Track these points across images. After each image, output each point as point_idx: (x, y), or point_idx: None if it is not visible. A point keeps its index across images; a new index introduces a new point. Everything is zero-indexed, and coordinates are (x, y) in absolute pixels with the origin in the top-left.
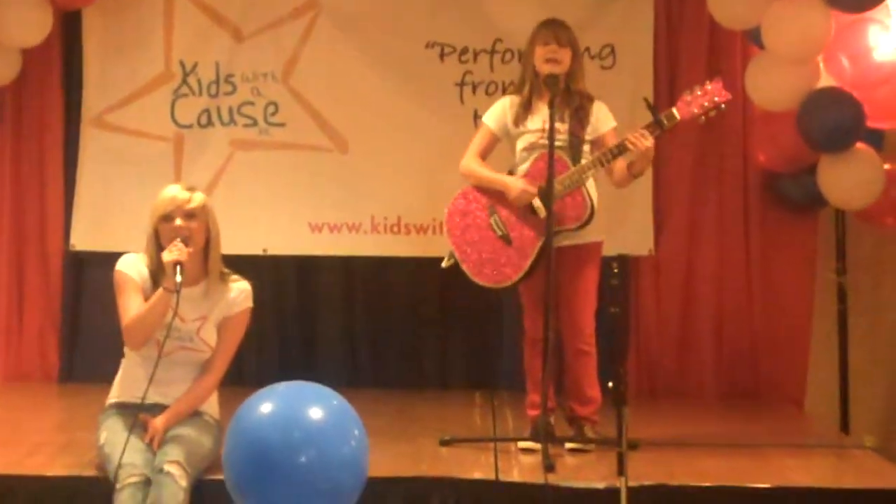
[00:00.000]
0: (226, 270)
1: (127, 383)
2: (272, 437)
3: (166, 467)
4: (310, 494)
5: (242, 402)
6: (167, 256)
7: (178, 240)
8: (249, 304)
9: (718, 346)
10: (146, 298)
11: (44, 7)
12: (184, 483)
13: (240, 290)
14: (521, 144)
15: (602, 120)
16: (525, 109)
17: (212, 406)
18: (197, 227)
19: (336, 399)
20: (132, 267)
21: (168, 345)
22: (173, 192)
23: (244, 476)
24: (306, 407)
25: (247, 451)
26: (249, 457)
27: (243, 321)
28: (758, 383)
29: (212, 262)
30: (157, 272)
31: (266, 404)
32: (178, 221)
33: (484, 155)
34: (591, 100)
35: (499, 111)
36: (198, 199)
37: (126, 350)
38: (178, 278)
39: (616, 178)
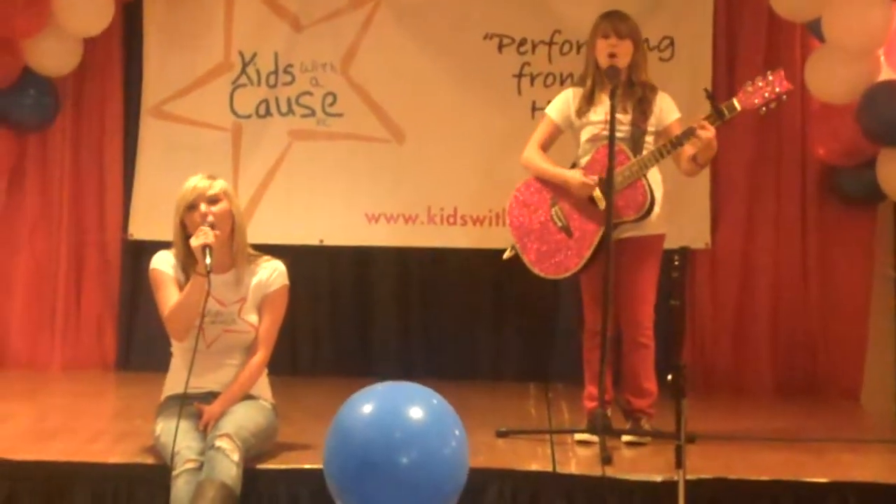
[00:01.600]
0: (253, 252)
1: (178, 376)
2: (374, 438)
3: (217, 442)
4: (411, 495)
5: (343, 401)
6: (195, 242)
7: (205, 224)
8: (285, 281)
9: (774, 339)
10: (181, 289)
11: None
12: (235, 457)
13: (273, 268)
14: (584, 136)
15: (666, 111)
16: (588, 101)
17: (264, 390)
18: (221, 211)
19: (436, 399)
20: (164, 262)
21: (212, 330)
22: (194, 181)
23: (346, 477)
24: (408, 407)
25: (349, 452)
26: (351, 457)
27: (282, 299)
28: (814, 378)
29: (238, 247)
30: (187, 262)
31: (367, 405)
32: (203, 208)
33: (545, 147)
34: (654, 91)
35: (562, 103)
36: (219, 184)
37: (173, 344)
38: (208, 260)
39: (684, 168)
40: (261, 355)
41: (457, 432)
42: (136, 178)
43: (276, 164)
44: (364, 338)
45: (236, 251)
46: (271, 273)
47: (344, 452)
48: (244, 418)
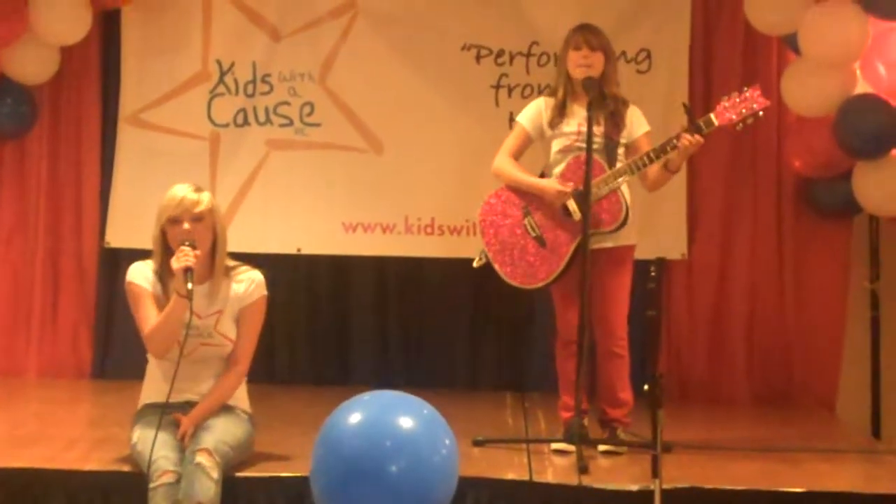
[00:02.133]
0: (232, 264)
1: (154, 385)
2: (363, 446)
3: (196, 457)
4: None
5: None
6: (176, 264)
7: (186, 245)
8: (263, 292)
9: (750, 350)
10: (158, 302)
11: (83, 5)
12: (215, 475)
13: (251, 279)
14: (555, 147)
15: (636, 124)
16: (560, 112)
17: (242, 399)
18: (204, 229)
19: (426, 408)
20: (141, 276)
21: (189, 344)
22: (181, 193)
23: (334, 486)
24: (397, 416)
25: (337, 461)
26: (340, 466)
27: (260, 310)
28: (790, 387)
29: (218, 260)
30: (165, 273)
31: (356, 414)
32: (186, 225)
33: (517, 155)
34: (626, 104)
35: (534, 112)
36: (206, 201)
37: (149, 354)
38: (189, 285)
39: (649, 182)
40: (238, 368)
41: (447, 441)
42: (113, 186)
43: (253, 173)
44: (341, 346)
45: (217, 263)
46: (249, 284)
47: (333, 461)
48: (223, 432)
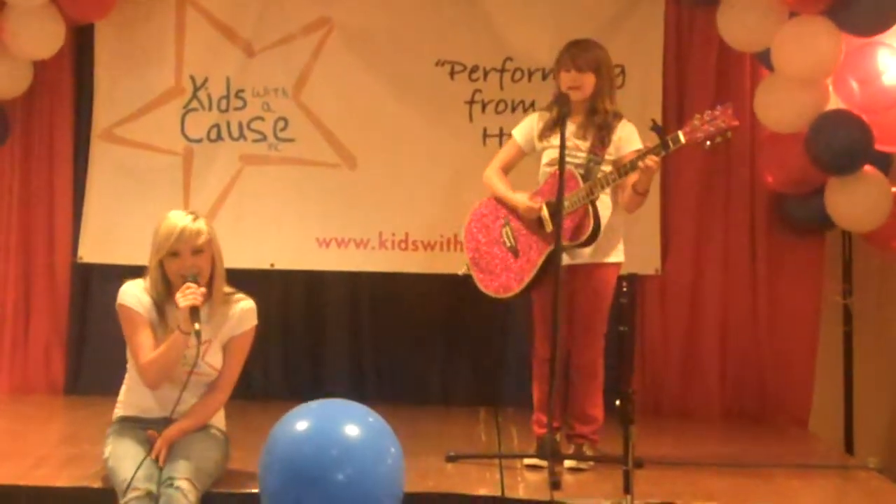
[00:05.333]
0: (229, 290)
1: (131, 398)
2: (309, 454)
3: (177, 482)
4: None
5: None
6: (182, 302)
7: (190, 281)
8: (254, 321)
9: (723, 366)
10: (152, 327)
11: (56, 20)
12: (192, 498)
13: (244, 309)
14: (544, 160)
15: (625, 141)
16: (551, 126)
17: (218, 419)
18: (204, 260)
19: (372, 416)
20: (134, 299)
21: (175, 371)
22: (181, 224)
23: (280, 493)
24: (343, 424)
25: (283, 469)
26: (286, 474)
27: (248, 339)
28: (763, 404)
29: (216, 288)
30: (163, 303)
31: (302, 422)
32: (188, 259)
33: (507, 168)
34: (618, 118)
35: (527, 126)
36: (205, 232)
37: (129, 365)
38: (197, 326)
39: (623, 204)
40: (220, 395)
41: (392, 449)
42: (86, 201)
43: (227, 188)
44: (315, 362)
45: (215, 291)
46: (242, 314)
47: (279, 468)
48: (202, 458)
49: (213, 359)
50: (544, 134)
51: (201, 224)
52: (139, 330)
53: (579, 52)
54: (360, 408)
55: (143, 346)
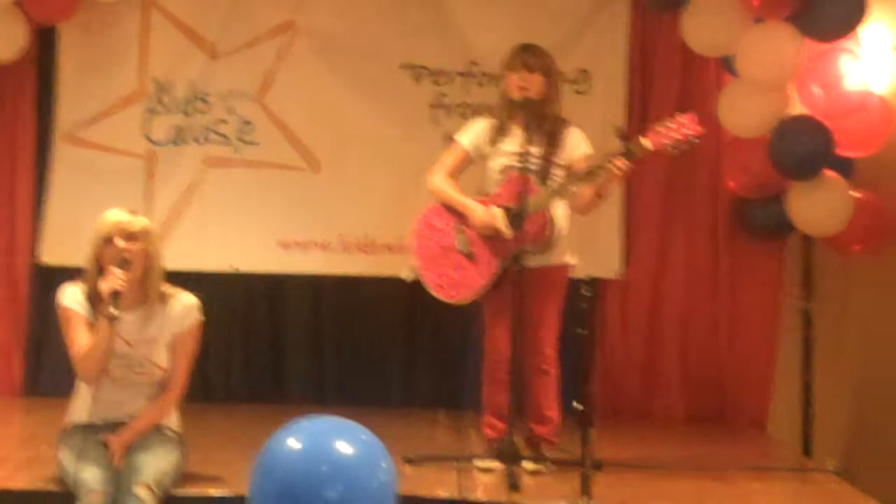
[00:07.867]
0: (167, 289)
1: (82, 404)
2: (300, 471)
3: (135, 490)
4: None
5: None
6: (104, 286)
7: (115, 267)
8: (198, 317)
9: (683, 369)
10: (89, 325)
11: (19, 21)
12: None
13: (186, 304)
14: (496, 166)
15: (574, 145)
16: (500, 132)
17: (172, 419)
18: (138, 250)
19: (364, 433)
20: (71, 298)
21: (118, 371)
22: (115, 215)
23: None
24: (334, 441)
25: (274, 486)
26: (276, 492)
27: (194, 335)
28: (722, 406)
29: (152, 286)
30: (95, 297)
31: (293, 439)
32: (120, 243)
33: (454, 174)
34: (565, 125)
35: (474, 131)
36: (140, 221)
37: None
38: (115, 311)
39: (580, 206)
40: (171, 394)
41: (384, 465)
42: (47, 203)
43: (189, 190)
44: (277, 365)
45: (150, 289)
46: (184, 309)
47: (269, 486)
48: (161, 462)
49: (158, 358)
50: (495, 140)
51: (139, 217)
52: (74, 326)
53: (530, 54)
54: (350, 424)
55: (78, 341)
